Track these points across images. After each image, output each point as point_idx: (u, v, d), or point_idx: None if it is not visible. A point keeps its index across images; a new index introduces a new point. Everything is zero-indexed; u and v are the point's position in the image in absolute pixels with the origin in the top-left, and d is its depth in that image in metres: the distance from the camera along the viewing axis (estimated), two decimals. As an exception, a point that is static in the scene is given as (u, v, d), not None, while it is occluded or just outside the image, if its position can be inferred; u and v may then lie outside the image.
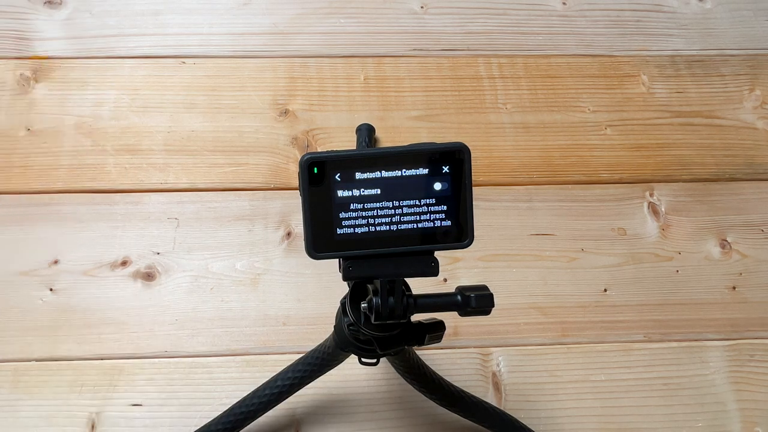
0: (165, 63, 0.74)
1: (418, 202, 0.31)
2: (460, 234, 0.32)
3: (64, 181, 0.68)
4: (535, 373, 0.62)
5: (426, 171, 0.31)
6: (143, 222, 0.66)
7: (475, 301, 0.35)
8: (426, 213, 0.31)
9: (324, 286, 0.64)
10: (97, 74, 0.73)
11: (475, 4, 0.81)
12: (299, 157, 0.30)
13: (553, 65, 0.78)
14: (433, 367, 0.52)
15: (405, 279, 0.35)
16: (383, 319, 0.35)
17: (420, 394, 0.53)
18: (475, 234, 0.32)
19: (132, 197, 0.68)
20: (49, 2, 0.78)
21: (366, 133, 0.70)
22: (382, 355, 0.43)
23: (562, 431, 0.60)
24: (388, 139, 0.72)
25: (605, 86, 0.77)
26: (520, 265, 0.66)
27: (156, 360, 0.60)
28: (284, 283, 0.64)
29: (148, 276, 0.64)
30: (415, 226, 0.31)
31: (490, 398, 0.60)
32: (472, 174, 0.31)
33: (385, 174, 0.30)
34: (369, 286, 0.37)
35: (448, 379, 0.52)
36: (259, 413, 0.53)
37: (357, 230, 0.31)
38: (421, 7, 0.80)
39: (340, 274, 0.32)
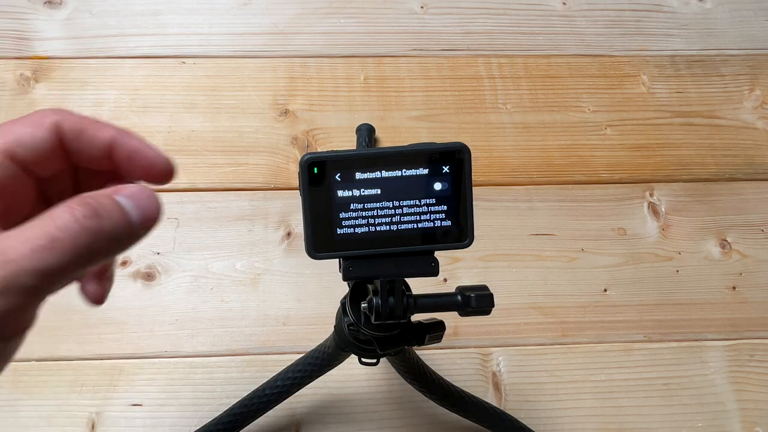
0: (165, 63, 0.74)
1: (418, 202, 0.31)
2: (460, 234, 0.32)
3: (64, 181, 0.68)
4: (535, 373, 0.62)
5: (426, 171, 0.31)
6: (143, 222, 0.66)
7: (475, 301, 0.35)
8: (426, 213, 0.31)
9: (324, 286, 0.64)
10: (97, 74, 0.73)
11: (475, 4, 0.81)
12: (299, 157, 0.30)
13: (553, 65, 0.78)
14: (433, 367, 0.52)
15: (405, 279, 0.35)
16: (383, 319, 0.35)
17: (420, 394, 0.53)
18: (475, 234, 0.32)
19: (132, 197, 0.67)
20: (49, 2, 0.78)
21: (366, 133, 0.70)
22: (382, 355, 0.43)
23: (562, 431, 0.60)
24: (388, 139, 0.72)
25: (605, 86, 0.77)
26: (520, 265, 0.66)
27: (156, 360, 0.60)
28: (284, 283, 0.64)
29: (148, 276, 0.64)
30: (415, 226, 0.31)
31: (490, 398, 0.60)
32: (472, 174, 0.31)
33: (385, 174, 0.30)
34: (369, 286, 0.37)
35: (448, 379, 0.52)
36: (259, 413, 0.53)
37: (357, 230, 0.31)
38: (421, 7, 0.80)
39: (340, 274, 0.32)
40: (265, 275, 0.64)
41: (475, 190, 0.31)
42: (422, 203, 0.31)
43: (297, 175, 0.31)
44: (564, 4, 0.82)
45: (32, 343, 0.60)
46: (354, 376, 0.59)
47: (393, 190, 0.31)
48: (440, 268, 0.32)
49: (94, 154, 0.25)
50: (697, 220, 0.70)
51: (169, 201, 0.67)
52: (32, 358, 0.59)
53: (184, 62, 0.75)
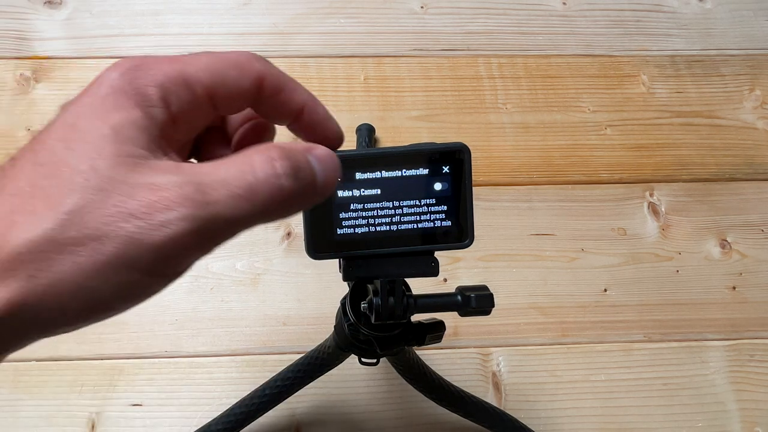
0: (165, 63, 0.74)
1: (418, 202, 0.31)
2: (460, 234, 0.32)
3: (64, 181, 0.68)
4: (535, 373, 0.62)
5: (426, 171, 0.31)
6: (143, 222, 0.66)
7: (475, 301, 0.35)
8: (426, 213, 0.31)
9: (324, 286, 0.64)
10: (97, 74, 0.73)
11: (475, 4, 0.81)
12: (299, 157, 0.30)
13: (553, 65, 0.78)
14: (433, 367, 0.52)
15: (405, 279, 0.35)
16: (383, 319, 0.35)
17: (420, 394, 0.53)
18: (475, 234, 0.32)
19: (132, 197, 0.67)
20: (49, 2, 0.78)
21: (366, 133, 0.70)
22: (382, 355, 0.43)
23: (562, 431, 0.60)
24: (388, 139, 0.72)
25: (605, 86, 0.77)
26: (520, 265, 0.66)
27: (156, 360, 0.60)
28: (284, 283, 0.64)
29: (148, 276, 0.64)
30: (415, 227, 0.31)
31: (490, 398, 0.60)
32: (472, 174, 0.31)
33: (385, 174, 0.30)
34: (369, 286, 0.37)
35: (448, 379, 0.52)
36: (259, 413, 0.53)
37: (357, 230, 0.31)
38: (421, 7, 0.80)
39: (340, 274, 0.32)
40: (265, 275, 0.64)
41: (475, 190, 0.31)
42: (422, 203, 0.31)
43: (297, 175, 0.31)
44: (564, 4, 0.82)
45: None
46: (354, 376, 0.59)
47: (393, 190, 0.31)
48: (440, 268, 0.32)
49: (282, 113, 0.25)
50: (697, 220, 0.70)
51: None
52: (32, 358, 0.59)
53: (184, 62, 0.75)
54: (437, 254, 0.32)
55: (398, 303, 0.34)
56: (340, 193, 0.31)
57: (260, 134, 0.27)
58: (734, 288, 0.67)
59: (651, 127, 0.75)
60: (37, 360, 0.59)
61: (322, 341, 0.50)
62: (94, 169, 0.19)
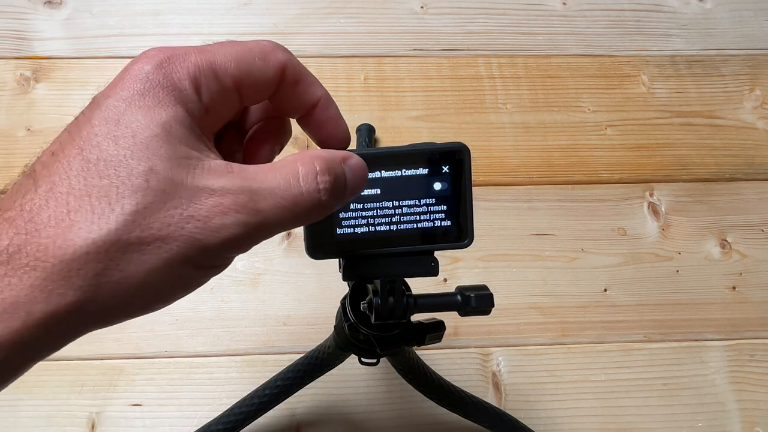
0: (165, 63, 0.74)
1: (418, 202, 0.31)
2: (460, 234, 0.32)
3: (64, 181, 0.68)
4: (535, 373, 0.62)
5: (426, 171, 0.31)
6: (143, 222, 0.66)
7: (475, 301, 0.35)
8: (426, 213, 0.31)
9: (324, 286, 0.64)
10: (97, 74, 0.73)
11: (475, 4, 0.81)
12: (299, 157, 0.30)
13: (553, 65, 0.78)
14: (433, 367, 0.52)
15: (405, 279, 0.35)
16: (383, 319, 0.35)
17: (420, 394, 0.53)
18: (475, 234, 0.32)
19: (132, 197, 0.67)
20: (49, 2, 0.78)
21: (366, 133, 0.70)
22: (382, 355, 0.43)
23: (562, 431, 0.60)
24: (388, 139, 0.72)
25: (605, 86, 0.77)
26: (520, 265, 0.66)
27: (156, 360, 0.60)
28: (284, 283, 0.64)
29: (148, 276, 0.64)
30: (415, 226, 0.31)
31: (490, 398, 0.60)
32: (472, 174, 0.31)
33: (384, 174, 0.30)
34: (369, 286, 0.37)
35: (448, 379, 0.52)
36: (259, 413, 0.53)
37: (357, 230, 0.31)
38: (421, 7, 0.80)
39: (340, 274, 0.32)
40: (265, 275, 0.64)
41: (475, 190, 0.31)
42: (422, 203, 0.31)
43: (297, 175, 0.31)
44: (564, 4, 0.82)
45: (32, 343, 0.60)
46: (354, 376, 0.59)
47: (393, 190, 0.31)
48: (440, 268, 0.32)
49: (297, 105, 0.26)
50: (697, 220, 0.70)
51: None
52: (32, 358, 0.59)
53: (184, 62, 0.75)
54: (437, 254, 0.32)
55: (398, 303, 0.34)
56: (340, 193, 0.31)
57: (276, 132, 0.28)
58: (734, 288, 0.67)
59: (651, 127, 0.75)
60: (37, 360, 0.59)
61: (322, 341, 0.50)
62: (153, 171, 0.20)
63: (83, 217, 0.19)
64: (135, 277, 0.20)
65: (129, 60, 0.24)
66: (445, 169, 0.31)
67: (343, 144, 0.27)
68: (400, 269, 0.32)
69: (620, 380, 0.62)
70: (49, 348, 0.21)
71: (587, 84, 0.77)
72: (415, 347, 0.47)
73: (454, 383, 0.53)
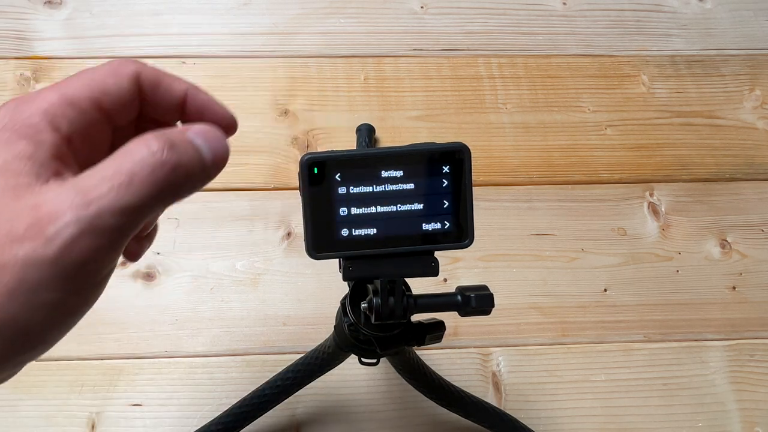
0: (165, 63, 0.74)
1: (418, 203, 0.31)
2: (460, 234, 0.32)
3: (64, 181, 0.68)
4: (535, 373, 0.62)
5: (426, 171, 0.31)
6: (143, 222, 0.66)
7: (475, 301, 0.35)
8: (426, 213, 0.31)
9: (324, 286, 0.64)
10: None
11: (475, 4, 0.81)
12: (299, 157, 0.30)
13: (553, 65, 0.78)
14: (433, 367, 0.52)
15: (405, 279, 0.35)
16: (383, 319, 0.35)
17: (420, 394, 0.53)
18: (475, 234, 0.32)
19: (132, 197, 0.67)
20: (49, 2, 0.78)
21: (366, 133, 0.70)
22: (382, 355, 0.43)
23: (562, 431, 0.60)
24: (388, 139, 0.72)
25: (605, 86, 0.77)
26: (520, 265, 0.66)
27: (156, 360, 0.60)
28: (284, 283, 0.64)
29: (148, 276, 0.64)
30: (415, 227, 0.31)
31: (490, 398, 0.60)
32: (472, 174, 0.31)
33: (385, 174, 0.30)
34: (369, 286, 0.37)
35: (448, 379, 0.52)
36: (259, 413, 0.53)
37: (357, 230, 0.31)
38: (421, 7, 0.80)
39: (340, 274, 0.32)
40: (265, 275, 0.64)
41: (475, 190, 0.31)
42: (422, 203, 0.31)
43: (297, 175, 0.31)
44: (564, 4, 0.82)
45: (32, 343, 0.60)
46: (354, 376, 0.59)
47: (393, 191, 0.31)
48: (440, 268, 0.32)
49: (167, 106, 0.26)
50: (697, 220, 0.70)
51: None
52: (32, 358, 0.59)
53: (184, 62, 0.75)
54: (437, 254, 0.32)
55: (398, 303, 0.34)
56: (340, 193, 0.31)
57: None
58: (734, 288, 0.67)
59: (651, 127, 0.75)
60: (37, 360, 0.59)
61: (322, 341, 0.50)
62: None
63: None
64: None
65: (128, 60, 0.24)
66: (446, 169, 0.31)
67: (229, 125, 0.27)
68: (401, 269, 0.32)
69: (620, 380, 0.62)
70: None
71: (587, 84, 0.77)
72: (415, 347, 0.47)
73: (454, 383, 0.53)
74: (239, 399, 0.53)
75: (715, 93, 0.77)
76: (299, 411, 0.58)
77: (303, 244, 0.31)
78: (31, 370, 0.60)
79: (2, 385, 0.23)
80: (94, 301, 0.22)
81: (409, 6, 0.80)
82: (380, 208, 0.31)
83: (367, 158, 0.31)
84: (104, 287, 0.22)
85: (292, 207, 0.68)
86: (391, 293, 0.34)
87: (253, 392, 0.52)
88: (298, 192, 0.31)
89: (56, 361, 0.59)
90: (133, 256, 0.28)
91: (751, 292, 0.66)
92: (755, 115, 0.76)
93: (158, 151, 0.21)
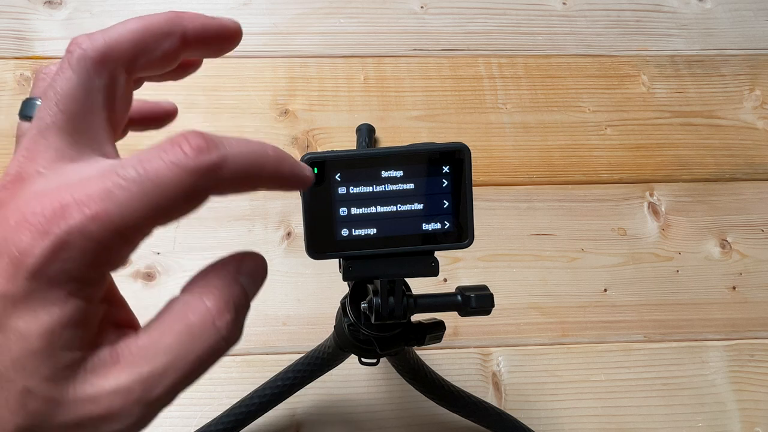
0: (165, 63, 0.74)
1: (418, 203, 0.31)
2: (460, 234, 0.32)
3: (64, 181, 0.68)
4: (535, 373, 0.62)
5: (426, 171, 0.31)
6: (143, 222, 0.66)
7: (475, 301, 0.35)
8: (426, 213, 0.31)
9: (324, 286, 0.64)
10: None
11: (475, 4, 0.81)
12: (299, 157, 0.30)
13: (553, 65, 0.78)
14: (433, 367, 0.52)
15: (405, 279, 0.35)
16: (383, 319, 0.35)
17: (420, 394, 0.53)
18: (475, 234, 0.32)
19: (132, 197, 0.67)
20: (49, 2, 0.78)
21: (366, 133, 0.70)
22: (382, 355, 0.43)
23: (562, 431, 0.60)
24: (388, 139, 0.72)
25: (605, 86, 0.77)
26: (520, 265, 0.66)
27: (156, 360, 0.60)
28: (284, 283, 0.64)
29: (148, 276, 0.64)
30: (415, 227, 0.31)
31: (490, 398, 0.60)
32: (472, 174, 0.31)
33: (385, 174, 0.30)
34: (369, 286, 0.37)
35: (448, 379, 0.52)
36: (259, 413, 0.53)
37: (357, 230, 0.31)
38: (421, 7, 0.80)
39: (340, 274, 0.32)
40: (265, 275, 0.64)
41: (475, 190, 0.31)
42: (422, 203, 0.31)
43: (297, 175, 0.31)
44: (564, 4, 0.82)
45: (32, 343, 0.60)
46: (354, 376, 0.59)
47: (393, 191, 0.31)
48: (440, 268, 0.32)
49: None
50: (697, 220, 0.70)
51: (169, 201, 0.67)
52: (32, 358, 0.59)
53: (184, 62, 0.75)
54: (437, 254, 0.32)
55: (398, 303, 0.34)
56: (340, 193, 0.31)
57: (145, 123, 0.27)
58: (734, 288, 0.67)
59: (651, 127, 0.75)
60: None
61: (322, 341, 0.50)
62: (30, 393, 0.18)
63: None
64: None
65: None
66: (446, 169, 0.31)
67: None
68: (401, 269, 0.32)
69: (620, 380, 0.62)
70: None
71: (587, 84, 0.77)
72: (415, 347, 0.47)
73: (454, 383, 0.53)
74: (239, 399, 0.53)
75: (715, 93, 0.77)
76: (299, 411, 0.58)
77: (303, 244, 0.31)
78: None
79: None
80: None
81: (409, 6, 0.80)
82: (380, 208, 0.31)
83: (367, 158, 0.31)
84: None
85: (291, 207, 0.68)
86: (391, 293, 0.34)
87: (254, 392, 0.52)
88: (297, 192, 0.31)
89: (56, 361, 0.59)
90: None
91: (751, 292, 0.66)
92: (755, 115, 0.76)
93: (226, 330, 0.20)
